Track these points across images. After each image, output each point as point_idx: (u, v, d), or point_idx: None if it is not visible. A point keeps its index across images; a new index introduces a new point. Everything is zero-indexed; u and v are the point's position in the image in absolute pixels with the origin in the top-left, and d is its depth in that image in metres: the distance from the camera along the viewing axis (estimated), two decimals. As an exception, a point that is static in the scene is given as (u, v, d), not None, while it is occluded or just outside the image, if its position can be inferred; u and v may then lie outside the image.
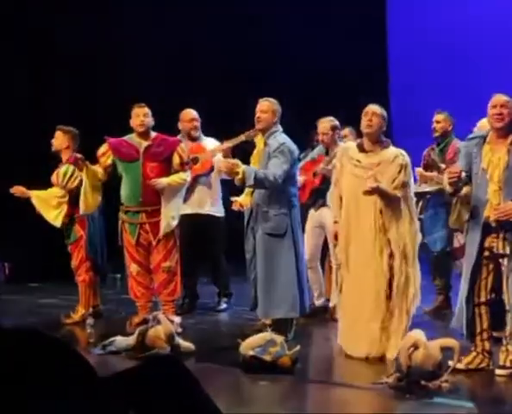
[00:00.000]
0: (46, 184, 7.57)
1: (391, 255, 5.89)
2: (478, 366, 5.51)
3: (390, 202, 5.89)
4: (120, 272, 9.55)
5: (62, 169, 7.43)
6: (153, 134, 7.03)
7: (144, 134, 6.97)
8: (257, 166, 6.50)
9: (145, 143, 6.96)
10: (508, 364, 5.42)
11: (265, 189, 6.38)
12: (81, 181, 7.28)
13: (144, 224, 6.96)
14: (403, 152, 6.02)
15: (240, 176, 6.26)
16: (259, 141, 6.66)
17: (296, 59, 11.02)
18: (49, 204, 7.43)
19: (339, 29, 11.21)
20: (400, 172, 5.90)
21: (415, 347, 5.07)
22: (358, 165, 5.99)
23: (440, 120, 7.46)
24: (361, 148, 6.03)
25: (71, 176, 7.37)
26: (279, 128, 6.62)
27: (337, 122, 7.49)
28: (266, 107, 6.56)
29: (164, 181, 6.86)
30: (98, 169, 7.12)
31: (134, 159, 6.95)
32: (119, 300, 8.36)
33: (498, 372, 5.43)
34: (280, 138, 6.52)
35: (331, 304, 7.34)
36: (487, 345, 5.53)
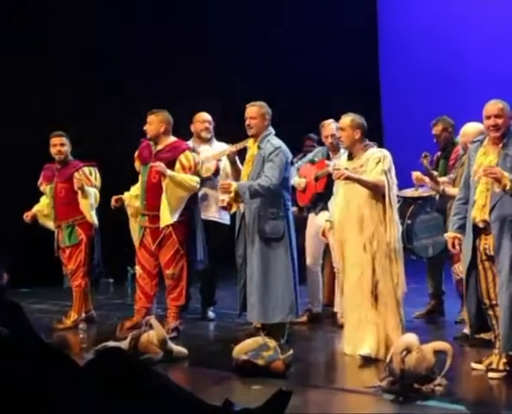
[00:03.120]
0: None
1: (373, 252, 5.94)
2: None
3: (371, 186, 5.94)
4: (113, 277, 9.54)
5: (86, 171, 7.48)
6: (171, 140, 7.02)
7: (154, 140, 6.99)
8: (250, 171, 6.51)
9: (156, 148, 7.00)
10: (501, 367, 5.43)
11: (263, 196, 6.40)
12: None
13: (146, 228, 6.99)
14: (384, 150, 6.14)
15: (232, 195, 6.36)
16: (251, 145, 6.66)
17: (292, 67, 11.04)
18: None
19: (330, 39, 11.24)
20: (378, 163, 5.99)
21: (408, 350, 5.08)
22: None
23: (437, 132, 7.35)
24: (349, 155, 6.19)
25: (96, 175, 7.54)
26: (271, 130, 6.62)
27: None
28: (255, 112, 6.56)
29: (167, 170, 6.78)
30: None
31: (146, 162, 7.01)
32: (111, 305, 8.35)
33: (491, 375, 5.43)
34: (274, 141, 6.54)
35: (335, 310, 7.33)
36: None
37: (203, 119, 7.77)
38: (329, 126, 7.47)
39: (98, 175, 7.56)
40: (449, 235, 5.68)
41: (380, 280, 5.94)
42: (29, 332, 2.68)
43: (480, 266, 5.47)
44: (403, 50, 11.82)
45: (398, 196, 7.31)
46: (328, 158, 7.46)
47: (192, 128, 7.80)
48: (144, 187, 6.99)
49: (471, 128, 6.54)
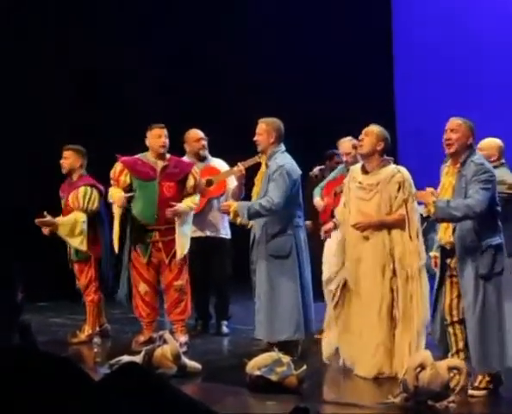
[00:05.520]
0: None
1: (394, 274, 5.89)
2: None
3: (393, 224, 5.90)
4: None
5: (81, 191, 7.37)
6: (168, 155, 7.09)
7: (161, 155, 7.03)
8: (259, 189, 6.53)
9: (161, 163, 7.02)
10: (482, 385, 5.36)
11: (265, 216, 6.42)
12: (98, 203, 7.37)
13: (157, 242, 6.98)
14: (402, 168, 6.04)
15: (231, 216, 6.41)
16: (262, 162, 6.69)
17: (300, 80, 11.03)
18: (74, 232, 7.37)
19: (344, 50, 11.22)
20: (399, 189, 5.91)
21: (422, 367, 5.06)
22: (359, 186, 6.03)
23: None
24: (363, 169, 6.07)
25: (90, 198, 7.37)
26: (281, 147, 6.62)
27: (356, 141, 7.49)
28: (261, 129, 6.59)
29: (183, 207, 6.91)
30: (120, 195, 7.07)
31: (151, 178, 6.99)
32: (126, 319, 8.35)
33: (471, 392, 5.32)
34: (279, 160, 6.52)
35: None
36: None
37: (198, 137, 7.70)
38: (344, 143, 7.46)
39: (96, 196, 7.39)
40: (431, 253, 5.71)
41: (399, 304, 5.87)
42: (35, 349, 2.72)
43: (448, 282, 5.44)
44: (419, 62, 11.72)
45: None
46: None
47: (186, 147, 7.73)
48: (154, 202, 6.94)
49: (487, 143, 6.45)
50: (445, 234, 5.40)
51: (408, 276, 5.85)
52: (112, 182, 7.10)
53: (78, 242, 7.39)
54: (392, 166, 6.04)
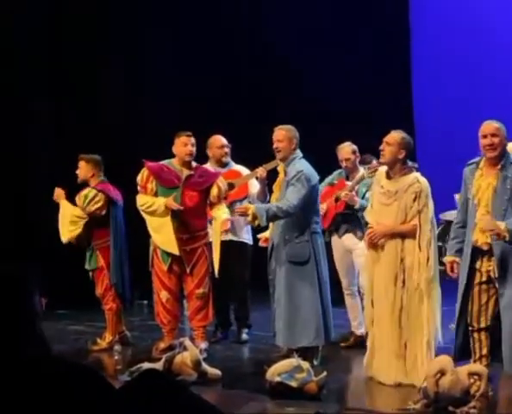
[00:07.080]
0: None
1: (404, 285, 5.87)
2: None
3: (407, 234, 5.89)
4: (146, 299, 9.59)
5: (84, 191, 7.43)
6: (194, 163, 7.08)
7: (187, 163, 7.02)
8: (278, 196, 6.54)
9: (186, 172, 7.00)
10: None
11: (283, 219, 6.43)
12: (101, 207, 7.35)
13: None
14: (421, 178, 5.99)
15: (250, 218, 6.37)
16: (280, 169, 6.70)
17: (317, 86, 11.02)
18: (65, 219, 7.45)
19: (361, 55, 11.20)
20: (415, 200, 5.88)
21: (442, 373, 5.05)
22: (381, 191, 6.03)
23: None
24: (387, 174, 6.06)
25: (92, 200, 7.37)
26: (298, 154, 6.63)
27: (355, 146, 7.51)
28: (282, 136, 6.57)
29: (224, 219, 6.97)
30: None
31: (175, 185, 6.97)
32: (146, 327, 8.38)
33: None
34: (298, 165, 6.53)
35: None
36: None
37: (222, 144, 7.69)
38: (343, 149, 7.46)
39: (100, 199, 7.37)
40: (448, 259, 5.67)
41: (407, 315, 5.85)
42: (55, 357, 2.73)
43: (476, 289, 5.43)
44: (438, 64, 11.63)
45: (441, 219, 7.22)
46: (348, 179, 7.45)
47: (209, 153, 7.72)
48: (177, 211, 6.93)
49: (510, 148, 6.41)
50: (483, 234, 5.38)
51: (416, 288, 5.83)
52: (139, 188, 7.06)
53: (62, 231, 7.45)
54: (413, 175, 5.99)
